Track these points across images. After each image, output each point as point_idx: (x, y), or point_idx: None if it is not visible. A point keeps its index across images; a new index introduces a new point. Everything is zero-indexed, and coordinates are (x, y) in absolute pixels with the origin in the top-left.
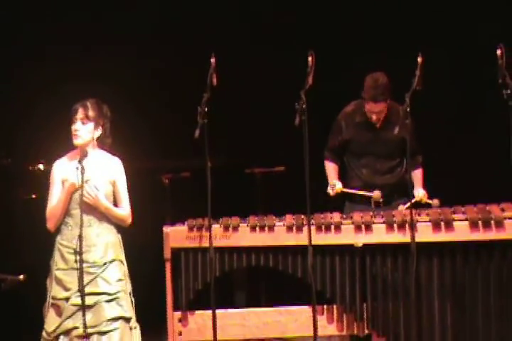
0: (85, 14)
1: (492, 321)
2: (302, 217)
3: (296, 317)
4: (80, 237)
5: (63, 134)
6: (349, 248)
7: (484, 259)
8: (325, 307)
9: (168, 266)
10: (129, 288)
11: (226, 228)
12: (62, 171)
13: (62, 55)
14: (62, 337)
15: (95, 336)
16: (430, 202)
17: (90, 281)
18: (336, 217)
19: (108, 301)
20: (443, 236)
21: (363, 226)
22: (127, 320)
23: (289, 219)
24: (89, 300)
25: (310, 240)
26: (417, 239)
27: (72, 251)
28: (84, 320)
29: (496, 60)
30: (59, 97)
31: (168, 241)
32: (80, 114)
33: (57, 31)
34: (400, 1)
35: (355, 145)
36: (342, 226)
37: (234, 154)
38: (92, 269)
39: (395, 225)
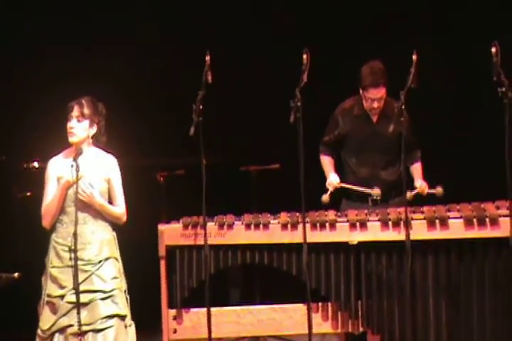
0: (82, 13)
1: (487, 319)
2: (297, 214)
3: (291, 314)
4: (75, 235)
5: (58, 132)
6: (344, 246)
7: (479, 257)
8: (320, 304)
9: (163, 263)
10: (124, 285)
11: (221, 226)
12: (57, 169)
13: (59, 54)
14: (57, 334)
15: (90, 334)
16: (433, 191)
17: (85, 279)
18: (330, 214)
19: (103, 299)
20: (438, 234)
21: (357, 224)
22: (122, 317)
23: (284, 216)
24: (84, 298)
25: (305, 238)
26: (412, 237)
27: (67, 249)
28: (79, 317)
29: (490, 57)
30: (54, 96)
31: (163, 239)
32: (76, 111)
33: (54, 31)
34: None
35: (352, 139)
36: (337, 224)
37: (229, 152)
38: (87, 267)
39: (390, 223)
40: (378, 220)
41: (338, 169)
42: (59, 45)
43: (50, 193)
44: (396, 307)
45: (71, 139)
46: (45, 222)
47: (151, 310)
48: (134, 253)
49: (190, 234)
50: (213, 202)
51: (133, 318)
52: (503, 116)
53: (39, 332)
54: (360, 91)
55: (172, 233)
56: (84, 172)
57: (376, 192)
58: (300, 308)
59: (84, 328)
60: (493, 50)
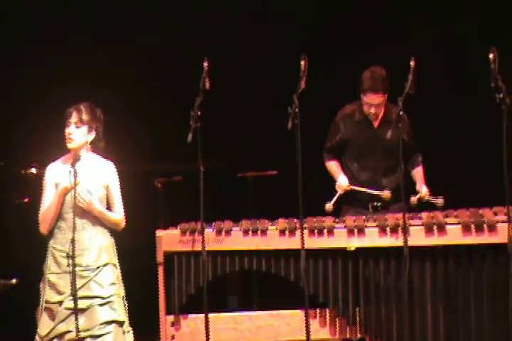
0: (80, 14)
1: (485, 324)
2: (295, 220)
3: (289, 321)
4: (73, 241)
5: (56, 137)
6: (342, 252)
7: (477, 263)
8: (318, 311)
9: (160, 269)
10: (122, 291)
11: (219, 232)
12: (55, 175)
13: (55, 56)
14: (55, 340)
15: (88, 340)
16: (434, 200)
17: (83, 285)
18: (328, 220)
19: (101, 305)
20: (436, 240)
21: (355, 230)
22: (120, 323)
23: (282, 222)
24: (82, 304)
25: (303, 244)
26: (410, 243)
27: (65, 255)
28: (76, 323)
29: (488, 63)
30: (52, 100)
31: (161, 245)
32: (74, 117)
33: (51, 32)
34: (392, 5)
35: (354, 144)
36: (335, 230)
37: (227, 158)
38: (86, 273)
39: (388, 229)
40: (376, 226)
41: None
42: (55, 46)
43: (48, 199)
44: (394, 313)
45: (69, 145)
46: (43, 228)
47: (149, 316)
48: (132, 260)
49: (188, 240)
50: (211, 208)
51: (131, 324)
52: (501, 121)
53: (37, 338)
54: (361, 96)
55: (170, 239)
56: (83, 178)
57: (386, 194)
58: (298, 314)
59: (83, 334)
60: (491, 56)
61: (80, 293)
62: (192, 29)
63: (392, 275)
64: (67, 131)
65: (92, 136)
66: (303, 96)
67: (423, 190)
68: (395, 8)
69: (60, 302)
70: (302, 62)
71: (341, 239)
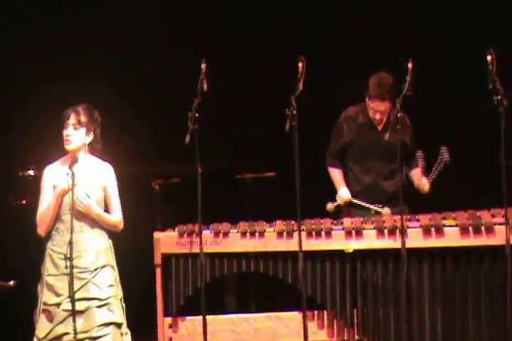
0: (79, 13)
1: (482, 326)
2: (293, 222)
3: (287, 322)
4: (71, 243)
5: (53, 139)
6: (340, 254)
7: (474, 265)
8: (315, 312)
9: (158, 271)
10: (120, 293)
11: (217, 234)
12: (53, 177)
13: (53, 56)
14: None
15: None
16: (380, 210)
17: (81, 287)
18: (326, 222)
19: (99, 307)
20: (433, 242)
21: (353, 232)
22: (118, 325)
23: (280, 224)
24: (80, 306)
25: (300, 246)
26: (408, 245)
27: (63, 257)
28: (74, 325)
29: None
30: (49, 100)
31: (159, 247)
32: (72, 119)
33: (47, 31)
34: (391, 6)
35: (357, 147)
36: (332, 232)
37: (224, 160)
38: (84, 275)
39: (386, 231)
40: (374, 228)
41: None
42: (53, 45)
43: (46, 201)
44: (392, 315)
45: (67, 147)
46: (40, 230)
47: (147, 318)
48: (129, 262)
49: (186, 242)
50: (209, 210)
51: (129, 326)
52: (499, 123)
53: (35, 340)
54: (366, 99)
55: (168, 241)
56: (81, 180)
57: (386, 212)
58: (296, 316)
59: (81, 336)
60: (489, 57)
61: (77, 295)
62: (192, 29)
63: (390, 277)
64: (65, 132)
65: (90, 137)
66: (301, 98)
67: (423, 180)
68: (394, 8)
69: (58, 304)
70: (300, 64)
71: (339, 241)
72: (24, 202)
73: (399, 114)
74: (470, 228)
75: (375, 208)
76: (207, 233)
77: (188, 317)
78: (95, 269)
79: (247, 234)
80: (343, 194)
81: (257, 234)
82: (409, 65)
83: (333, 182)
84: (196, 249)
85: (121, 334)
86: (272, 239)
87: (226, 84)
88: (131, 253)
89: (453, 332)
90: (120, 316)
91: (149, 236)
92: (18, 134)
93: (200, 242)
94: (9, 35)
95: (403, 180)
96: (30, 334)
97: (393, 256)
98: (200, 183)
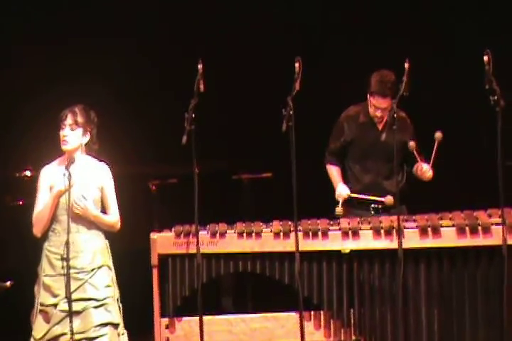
0: (76, 12)
1: (479, 327)
2: (289, 223)
3: (284, 323)
4: (67, 244)
5: (50, 139)
6: (336, 254)
7: (471, 265)
8: (312, 313)
9: (155, 272)
10: (116, 294)
11: (213, 234)
12: (50, 177)
13: (51, 56)
14: None
15: None
16: (383, 199)
17: (78, 287)
18: (323, 223)
19: (96, 307)
20: (430, 242)
21: (350, 232)
22: (115, 326)
23: (276, 225)
24: (77, 306)
25: (297, 246)
26: (404, 245)
27: (60, 257)
28: (71, 326)
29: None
30: (45, 101)
31: (156, 248)
32: (69, 119)
33: (45, 30)
34: (388, 8)
35: (357, 146)
36: (329, 233)
37: (221, 160)
38: (80, 275)
39: (382, 231)
40: (370, 228)
41: (342, 176)
42: (51, 45)
43: (42, 201)
44: (388, 315)
45: (64, 147)
46: (36, 230)
47: (143, 318)
48: (126, 262)
49: (183, 243)
50: (205, 211)
51: (126, 327)
52: (496, 123)
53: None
54: (367, 97)
55: (164, 241)
56: (77, 180)
57: (389, 200)
58: (292, 317)
59: (78, 337)
60: (486, 58)
61: (74, 296)
62: (191, 30)
63: (387, 277)
64: (62, 133)
65: (87, 138)
66: (297, 99)
67: (424, 166)
68: (393, 8)
69: (55, 305)
70: (296, 64)
71: (336, 242)
72: (21, 202)
73: (395, 115)
74: (467, 228)
75: (377, 199)
76: (204, 233)
77: (184, 318)
78: (92, 270)
79: (244, 235)
80: (342, 190)
81: (253, 234)
82: (406, 65)
83: (331, 179)
84: (193, 250)
85: (118, 335)
86: (268, 239)
87: (223, 84)
88: (128, 253)
89: (449, 333)
90: (117, 316)
91: (146, 237)
92: (15, 135)
93: (197, 243)
94: (7, 34)
95: (405, 179)
96: (27, 334)
97: (390, 257)
98: (196, 184)
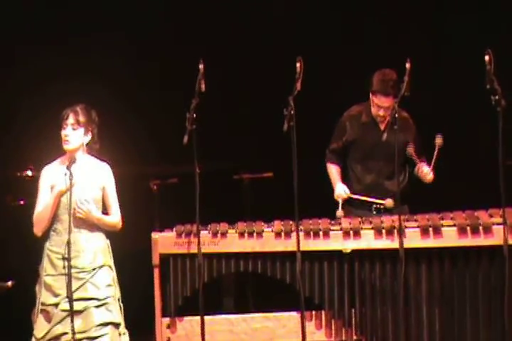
0: (76, 11)
1: (480, 326)
2: (291, 222)
3: (285, 323)
4: (69, 243)
5: (50, 138)
6: (337, 254)
7: (472, 265)
8: (313, 313)
9: (156, 272)
10: (118, 293)
11: (214, 234)
12: (51, 177)
13: (51, 54)
14: None
15: None
16: (383, 201)
17: (79, 287)
18: (324, 222)
19: (97, 306)
20: (431, 242)
21: (351, 232)
22: (116, 325)
23: (278, 225)
24: (78, 306)
25: (298, 246)
26: (406, 245)
27: (61, 257)
28: (72, 325)
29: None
30: (46, 99)
31: (157, 247)
32: (71, 119)
33: (44, 28)
34: (387, 9)
35: (359, 146)
36: (330, 232)
37: (222, 160)
38: (82, 274)
39: (384, 231)
40: (372, 228)
41: (343, 176)
42: (50, 44)
43: (43, 201)
44: (390, 315)
45: (66, 147)
46: (37, 230)
47: (144, 318)
48: (127, 262)
49: (184, 243)
50: (207, 211)
51: (127, 326)
52: (497, 123)
53: (33, 340)
54: (370, 96)
55: (165, 241)
56: (78, 180)
57: (389, 203)
58: (294, 316)
59: (79, 336)
60: (487, 57)
61: (75, 295)
62: (193, 29)
63: (388, 277)
64: (64, 132)
65: (88, 137)
66: (299, 98)
67: (425, 169)
68: (392, 8)
69: (56, 304)
70: (298, 64)
71: (337, 241)
72: (22, 202)
73: (397, 114)
74: (468, 228)
75: (377, 201)
76: (205, 233)
77: (186, 318)
78: (93, 269)
79: (245, 235)
80: (341, 191)
81: (255, 234)
82: (407, 65)
83: (330, 178)
84: (194, 250)
85: (119, 334)
86: (270, 239)
87: (224, 84)
88: (129, 253)
89: (451, 332)
90: (118, 316)
91: (147, 237)
92: (16, 134)
93: (198, 242)
94: (7, 33)
95: (407, 179)
96: (28, 334)
97: (391, 256)
98: (197, 183)
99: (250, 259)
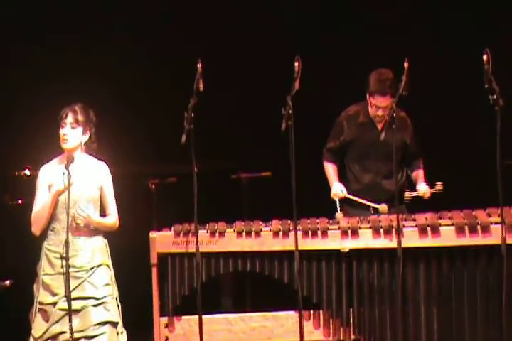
0: (75, 10)
1: (478, 326)
2: (289, 222)
3: (283, 322)
4: (67, 242)
5: (48, 137)
6: (335, 253)
7: (471, 264)
8: (311, 312)
9: (154, 271)
10: (115, 293)
11: (213, 233)
12: (49, 176)
13: (49, 54)
14: None
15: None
16: (434, 191)
17: (77, 286)
18: (322, 222)
19: (95, 305)
20: (429, 242)
21: (349, 231)
22: (114, 324)
23: (276, 224)
24: (76, 305)
25: (296, 245)
26: (404, 244)
27: (59, 256)
28: (70, 325)
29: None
30: (43, 99)
31: (155, 247)
32: (70, 118)
33: (45, 28)
34: (387, 9)
35: (357, 146)
36: (328, 232)
37: (220, 159)
38: (79, 274)
39: (382, 230)
40: (370, 228)
41: (341, 176)
42: (49, 44)
43: (41, 200)
44: (387, 314)
45: (65, 146)
46: (35, 229)
47: (142, 317)
48: (125, 261)
49: (182, 242)
50: (205, 210)
51: (124, 326)
52: (495, 123)
53: (31, 339)
54: (367, 97)
55: (163, 240)
56: (76, 179)
57: (383, 208)
58: (292, 316)
59: (77, 335)
60: (485, 57)
61: (73, 294)
62: (192, 29)
63: (386, 276)
64: (63, 131)
65: (86, 137)
66: (297, 98)
67: (423, 188)
68: (392, 8)
69: (54, 304)
70: (296, 63)
71: (335, 241)
72: (20, 201)
73: (394, 114)
74: (466, 227)
75: (372, 205)
76: (203, 232)
77: (184, 317)
78: (91, 268)
79: (243, 234)
80: (338, 190)
81: (253, 233)
82: (405, 65)
83: (327, 176)
84: (192, 249)
85: (117, 334)
86: (268, 238)
87: (222, 83)
88: (127, 252)
89: (449, 332)
90: (116, 315)
91: (145, 236)
92: (14, 133)
93: (196, 242)
94: (1, 32)
95: (404, 178)
96: (26, 333)
97: (389, 256)
98: (196, 183)
99: (248, 259)
